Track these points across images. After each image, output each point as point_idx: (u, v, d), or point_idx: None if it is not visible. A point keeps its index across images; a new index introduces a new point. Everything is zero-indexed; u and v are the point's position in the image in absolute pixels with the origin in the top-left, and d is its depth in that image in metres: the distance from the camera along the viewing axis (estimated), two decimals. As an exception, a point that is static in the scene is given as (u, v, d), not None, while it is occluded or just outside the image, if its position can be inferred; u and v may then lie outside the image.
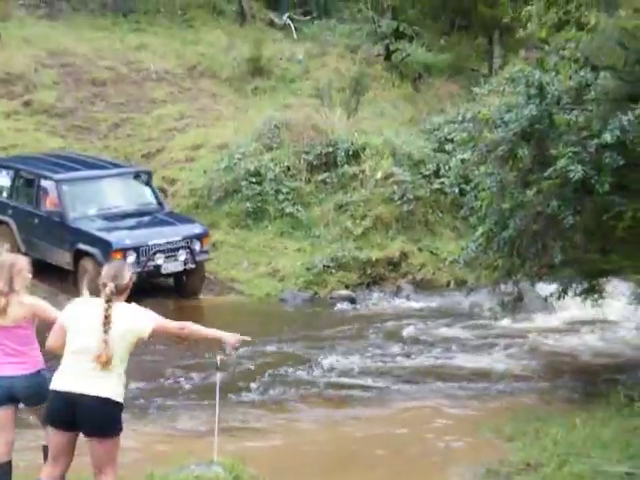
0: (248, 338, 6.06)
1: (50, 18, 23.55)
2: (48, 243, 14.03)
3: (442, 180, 16.35)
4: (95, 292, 5.64)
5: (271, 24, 25.41)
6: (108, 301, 5.44)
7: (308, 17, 25.95)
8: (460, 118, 17.48)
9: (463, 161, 14.02)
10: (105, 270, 5.60)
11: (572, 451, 7.15)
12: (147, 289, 12.86)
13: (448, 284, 15.26)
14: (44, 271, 13.23)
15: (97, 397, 5.39)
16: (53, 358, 5.95)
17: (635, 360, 11.24)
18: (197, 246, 13.86)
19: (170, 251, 13.58)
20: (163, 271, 13.65)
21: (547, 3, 10.77)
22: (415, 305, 14.46)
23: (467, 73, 22.45)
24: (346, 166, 16.89)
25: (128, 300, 5.64)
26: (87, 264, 13.26)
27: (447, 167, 16.30)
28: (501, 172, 9.69)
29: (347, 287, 15.09)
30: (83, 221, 13.77)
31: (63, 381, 5.42)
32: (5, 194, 14.87)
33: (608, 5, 9.55)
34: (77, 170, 14.75)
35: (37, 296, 6.33)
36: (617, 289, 12.66)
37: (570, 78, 9.30)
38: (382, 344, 12.26)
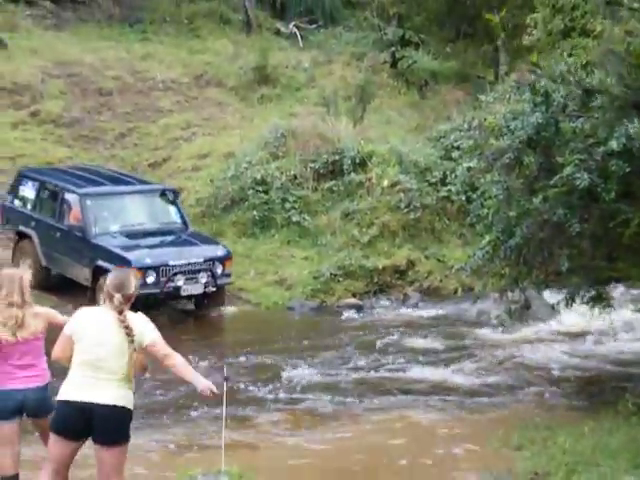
0: (217, 392, 5.80)
1: (57, 28, 23.70)
2: (68, 258, 13.75)
3: (449, 188, 16.34)
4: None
5: (277, 33, 25.52)
6: (121, 312, 5.45)
7: (314, 25, 26.03)
8: (466, 126, 17.50)
9: (469, 169, 14.02)
10: (110, 280, 5.61)
11: (580, 460, 7.12)
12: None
13: (455, 292, 15.25)
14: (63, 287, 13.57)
15: (114, 406, 5.44)
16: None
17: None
18: (219, 269, 13.51)
19: (191, 273, 13.23)
20: (183, 293, 13.30)
21: (553, 10, 10.78)
22: (422, 313, 14.44)
23: (473, 80, 22.45)
24: (352, 174, 16.90)
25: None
26: (104, 279, 12.90)
27: (453, 175, 16.28)
28: (507, 180, 9.68)
29: (354, 295, 15.09)
30: (104, 237, 13.44)
31: (77, 391, 5.42)
32: (29, 206, 14.58)
33: (613, 13, 9.55)
34: (102, 185, 14.46)
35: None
36: (624, 297, 12.68)
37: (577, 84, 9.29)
38: (388, 353, 12.23)
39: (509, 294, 10.73)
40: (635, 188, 8.85)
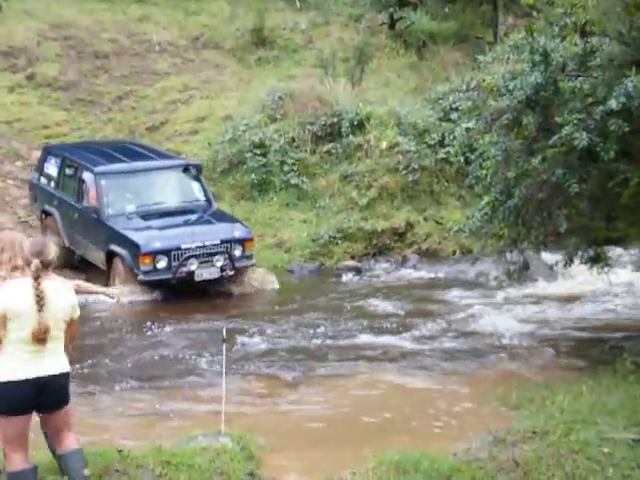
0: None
1: (52, -10, 23.46)
2: (86, 240, 13.25)
3: (447, 149, 16.29)
4: None
5: (274, -7, 25.26)
6: (37, 278, 5.37)
7: (311, -14, 25.75)
8: (465, 87, 17.44)
9: (468, 130, 13.92)
10: (28, 246, 5.50)
11: (578, 418, 7.16)
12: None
13: (454, 253, 15.28)
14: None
15: (62, 374, 5.52)
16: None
17: (641, 327, 11.25)
18: (238, 251, 12.70)
19: (205, 256, 12.43)
20: (197, 278, 12.43)
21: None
22: (421, 275, 14.46)
23: (472, 41, 22.28)
24: (351, 136, 16.85)
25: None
26: (118, 265, 12.54)
27: (452, 136, 16.23)
28: (506, 140, 9.64)
29: (353, 258, 15.12)
30: (119, 219, 12.79)
31: (24, 369, 5.35)
32: (53, 184, 14.11)
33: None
34: (121, 162, 13.72)
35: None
36: (623, 257, 12.70)
37: (575, 44, 9.22)
38: (387, 314, 12.26)
39: (508, 255, 10.75)
40: (634, 147, 8.82)
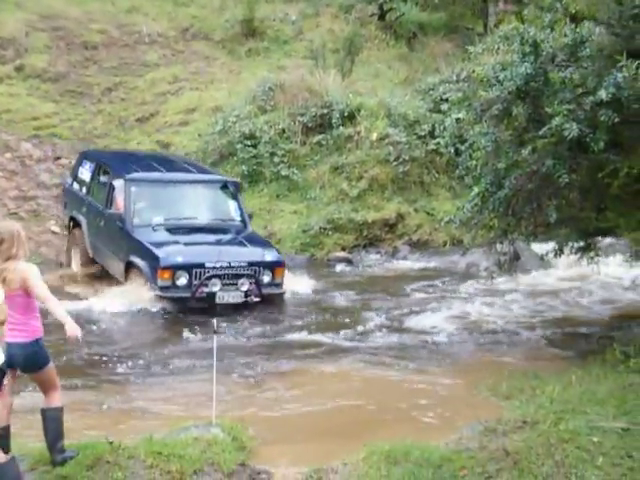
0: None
1: (40, -19, 23.35)
2: (108, 249, 12.42)
3: (437, 140, 16.31)
4: None
5: (264, -16, 25.20)
6: None
7: (301, -23, 25.68)
8: (455, 78, 17.47)
9: (458, 120, 13.91)
10: None
11: (568, 408, 7.18)
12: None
13: (444, 244, 15.33)
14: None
15: None
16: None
17: (630, 317, 11.28)
18: (266, 277, 11.70)
19: (230, 277, 11.45)
20: (218, 300, 11.40)
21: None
22: (412, 265, 14.48)
23: (462, 32, 22.32)
24: (341, 127, 16.87)
25: None
26: (135, 277, 11.71)
27: (442, 127, 16.22)
28: (496, 131, 9.64)
29: (344, 249, 15.14)
30: (143, 230, 11.85)
31: None
32: (84, 189, 13.46)
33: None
34: (156, 171, 12.91)
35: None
36: (612, 247, 12.73)
37: (565, 35, 9.22)
38: (380, 304, 12.27)
39: (498, 246, 10.75)
40: (624, 138, 8.82)
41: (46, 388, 6.04)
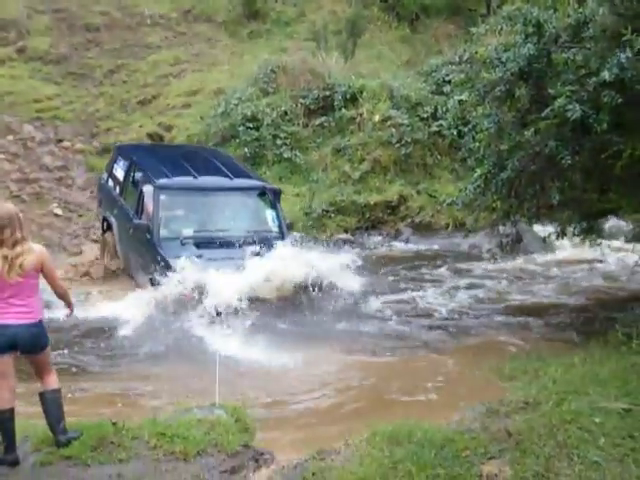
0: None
1: (42, -38, 23.26)
2: (137, 263, 11.41)
3: (440, 122, 16.29)
4: None
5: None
6: None
7: (303, -43, 25.55)
8: (457, 59, 17.41)
9: (461, 102, 13.91)
10: None
11: (570, 389, 7.19)
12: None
13: (447, 226, 15.31)
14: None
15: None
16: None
17: (633, 298, 11.28)
18: None
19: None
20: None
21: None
22: (414, 248, 14.48)
23: (465, 13, 22.21)
24: (343, 110, 16.83)
25: None
26: None
27: (445, 109, 16.21)
28: (499, 113, 9.62)
29: (346, 231, 15.14)
30: (171, 244, 10.83)
31: None
32: (118, 189, 12.47)
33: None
34: (189, 175, 11.69)
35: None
36: (615, 228, 12.73)
37: (568, 15, 9.18)
38: (382, 287, 12.27)
39: (501, 228, 10.77)
40: (627, 119, 8.79)
41: (43, 370, 6.05)
